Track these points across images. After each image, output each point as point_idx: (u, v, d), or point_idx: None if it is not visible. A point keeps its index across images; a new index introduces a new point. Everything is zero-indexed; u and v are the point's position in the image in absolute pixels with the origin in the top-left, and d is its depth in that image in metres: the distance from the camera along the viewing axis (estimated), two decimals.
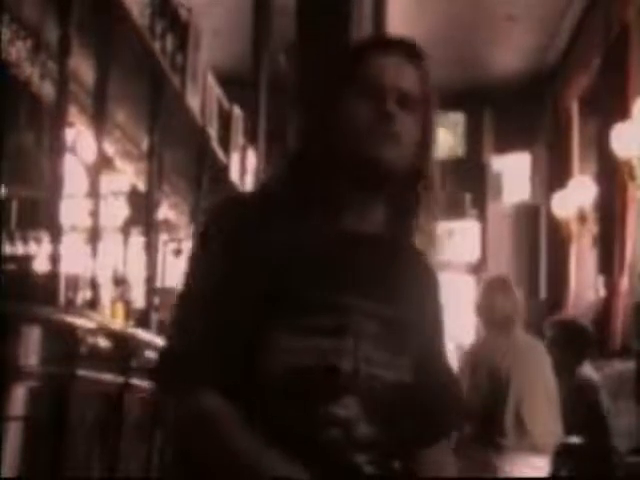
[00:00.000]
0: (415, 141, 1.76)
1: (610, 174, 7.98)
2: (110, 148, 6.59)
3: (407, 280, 1.79)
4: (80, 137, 6.30)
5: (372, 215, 1.77)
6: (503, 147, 12.67)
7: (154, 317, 7.26)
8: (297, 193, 1.74)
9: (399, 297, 1.76)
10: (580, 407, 5.41)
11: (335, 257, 1.71)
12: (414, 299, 1.79)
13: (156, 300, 7.46)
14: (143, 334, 5.34)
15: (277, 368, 1.63)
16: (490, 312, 4.75)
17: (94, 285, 6.04)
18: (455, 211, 12.69)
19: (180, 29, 8.23)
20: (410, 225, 1.81)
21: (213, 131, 9.78)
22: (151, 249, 7.47)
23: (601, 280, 8.35)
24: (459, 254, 12.92)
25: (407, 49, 1.81)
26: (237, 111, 10.52)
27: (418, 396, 1.77)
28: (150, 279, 7.42)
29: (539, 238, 11.76)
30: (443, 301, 1.91)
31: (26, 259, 6.85)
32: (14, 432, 4.11)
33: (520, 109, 11.87)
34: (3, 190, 5.87)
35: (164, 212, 8.13)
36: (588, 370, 5.83)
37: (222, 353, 1.64)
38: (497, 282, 4.91)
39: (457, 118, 12.96)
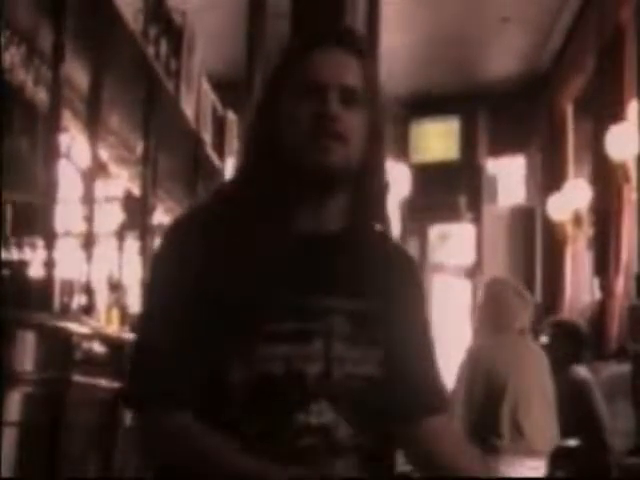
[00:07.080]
0: (363, 138, 1.69)
1: (605, 176, 7.98)
2: (104, 153, 6.58)
3: (373, 272, 1.74)
4: (74, 142, 6.28)
5: (328, 212, 1.72)
6: (498, 150, 12.66)
7: None
8: (248, 199, 1.69)
9: (366, 290, 1.71)
10: (573, 406, 5.40)
11: (295, 260, 1.67)
12: (383, 289, 1.73)
13: None
14: None
15: (245, 378, 1.60)
16: (497, 315, 4.65)
17: (89, 290, 6.03)
18: (450, 214, 12.70)
19: (174, 34, 8.23)
20: (370, 217, 1.76)
21: (207, 136, 9.77)
22: (146, 254, 7.46)
23: (597, 282, 8.35)
24: (454, 257, 12.94)
25: (347, 40, 1.73)
26: (231, 116, 10.52)
27: (394, 385, 1.72)
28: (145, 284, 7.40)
29: (534, 241, 11.74)
30: (420, 283, 1.86)
31: (21, 265, 6.83)
32: (9, 438, 4.11)
33: (515, 111, 11.87)
34: None
35: (159, 217, 8.12)
36: (581, 370, 5.83)
37: (190, 369, 1.61)
38: (506, 285, 4.81)
39: (452, 121, 12.96)
